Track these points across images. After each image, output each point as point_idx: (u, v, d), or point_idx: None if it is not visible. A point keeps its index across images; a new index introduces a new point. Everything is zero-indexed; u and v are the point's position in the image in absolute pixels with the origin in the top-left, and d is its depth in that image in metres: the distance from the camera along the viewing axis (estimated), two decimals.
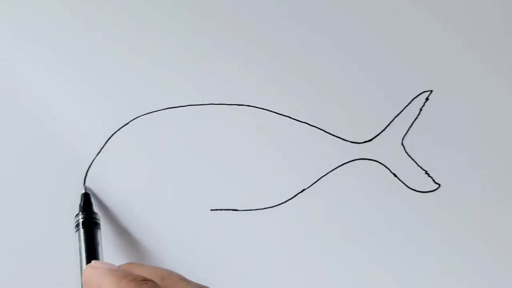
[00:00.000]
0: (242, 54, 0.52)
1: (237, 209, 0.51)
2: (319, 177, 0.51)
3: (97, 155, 0.51)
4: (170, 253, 0.50)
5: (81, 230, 0.47)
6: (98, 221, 0.48)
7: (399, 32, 0.53)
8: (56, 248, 0.50)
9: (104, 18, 0.52)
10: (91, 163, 0.51)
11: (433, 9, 0.53)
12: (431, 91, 0.52)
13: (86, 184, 0.50)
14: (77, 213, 0.48)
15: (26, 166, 0.50)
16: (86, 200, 0.49)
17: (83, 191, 0.50)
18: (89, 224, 0.47)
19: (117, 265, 0.45)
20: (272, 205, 0.51)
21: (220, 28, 0.52)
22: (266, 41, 0.52)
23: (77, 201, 0.50)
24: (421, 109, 0.52)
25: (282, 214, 0.51)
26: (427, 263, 0.50)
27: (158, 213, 0.50)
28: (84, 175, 0.51)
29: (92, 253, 0.46)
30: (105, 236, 0.49)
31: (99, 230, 0.48)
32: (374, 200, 0.51)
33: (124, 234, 0.50)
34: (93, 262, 0.44)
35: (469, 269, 0.50)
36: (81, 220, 0.47)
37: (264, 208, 0.51)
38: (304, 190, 0.51)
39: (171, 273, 0.43)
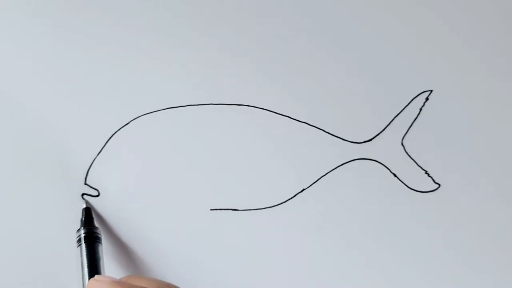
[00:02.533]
0: (242, 54, 0.52)
1: (237, 209, 0.51)
2: (319, 177, 0.51)
3: (98, 155, 0.51)
4: (170, 252, 0.50)
5: (83, 245, 0.47)
6: (99, 236, 0.48)
7: (399, 32, 0.53)
8: (55, 247, 0.50)
9: (104, 18, 0.52)
10: (92, 163, 0.51)
11: (433, 9, 0.53)
12: (431, 91, 0.52)
13: (88, 182, 0.50)
14: (78, 227, 0.49)
15: (26, 166, 0.50)
16: (87, 215, 0.49)
17: (84, 206, 0.50)
18: (91, 239, 0.48)
19: (118, 277, 0.46)
20: (272, 205, 0.51)
21: (220, 28, 0.52)
22: (266, 41, 0.52)
23: (77, 201, 0.50)
24: (421, 109, 0.52)
25: (282, 214, 0.51)
26: (427, 263, 0.50)
27: (158, 213, 0.50)
28: (85, 175, 0.51)
29: (94, 267, 0.46)
30: (103, 237, 0.50)
31: (100, 244, 0.48)
32: (374, 200, 0.51)
33: (122, 234, 0.50)
34: (96, 276, 0.45)
35: (469, 268, 0.50)
36: (82, 235, 0.48)
37: (264, 208, 0.51)
38: (304, 190, 0.51)
39: (168, 285, 0.43)
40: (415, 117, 0.52)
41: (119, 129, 0.51)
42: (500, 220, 0.51)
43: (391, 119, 0.52)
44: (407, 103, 0.52)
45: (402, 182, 0.51)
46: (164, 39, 0.52)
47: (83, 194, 0.50)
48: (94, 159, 0.51)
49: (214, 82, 0.52)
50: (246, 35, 0.52)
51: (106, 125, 0.51)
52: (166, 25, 0.52)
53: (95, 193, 0.50)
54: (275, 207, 0.51)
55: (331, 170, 0.51)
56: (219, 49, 0.52)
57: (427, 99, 0.52)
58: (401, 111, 0.52)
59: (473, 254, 0.50)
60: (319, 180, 0.51)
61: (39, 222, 0.50)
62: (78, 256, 0.47)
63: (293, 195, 0.51)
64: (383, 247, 0.50)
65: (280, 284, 0.50)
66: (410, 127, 0.52)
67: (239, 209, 0.51)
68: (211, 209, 0.51)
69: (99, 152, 0.51)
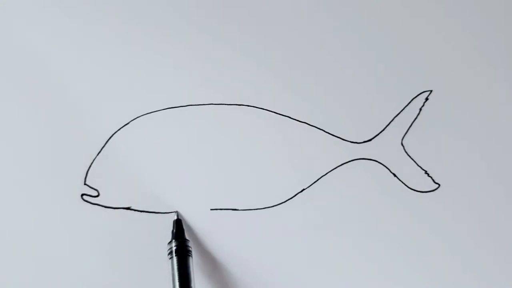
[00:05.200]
0: (242, 54, 0.52)
1: (237, 209, 0.51)
2: (319, 177, 0.51)
3: (98, 155, 0.51)
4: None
5: (174, 259, 0.48)
6: (190, 249, 0.49)
7: (399, 32, 0.53)
8: (54, 248, 0.50)
9: (104, 18, 0.52)
10: (92, 163, 0.51)
11: (433, 9, 0.53)
12: (431, 91, 0.52)
13: (87, 182, 0.50)
14: (169, 240, 0.49)
15: (26, 166, 0.50)
16: (178, 227, 0.49)
17: (175, 218, 0.50)
18: (183, 252, 0.48)
19: None
20: (272, 205, 0.51)
21: (220, 28, 0.52)
22: (267, 41, 0.52)
23: (77, 201, 0.50)
24: (421, 109, 0.52)
25: (282, 214, 0.51)
26: (426, 263, 0.50)
27: (157, 213, 0.50)
28: (85, 175, 0.51)
29: (185, 281, 0.47)
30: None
31: (191, 258, 0.48)
32: (374, 200, 0.51)
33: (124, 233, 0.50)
34: None
35: (469, 268, 0.50)
36: (174, 248, 0.48)
37: (264, 208, 0.51)
38: (304, 190, 0.51)
39: None
40: (415, 117, 0.52)
41: (119, 129, 0.51)
42: (500, 220, 0.51)
43: (391, 119, 0.52)
44: (407, 103, 0.52)
45: (402, 182, 0.51)
46: (164, 39, 0.52)
47: (82, 195, 0.50)
48: (94, 159, 0.51)
49: (214, 82, 0.52)
50: (247, 35, 0.52)
51: (106, 125, 0.51)
52: (167, 25, 0.52)
53: (95, 193, 0.50)
54: (275, 207, 0.51)
55: (331, 170, 0.51)
56: (220, 49, 0.52)
57: (427, 99, 0.52)
58: (401, 111, 0.52)
59: (473, 254, 0.50)
60: (319, 180, 0.51)
61: (38, 222, 0.50)
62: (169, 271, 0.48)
63: (293, 195, 0.51)
64: (383, 247, 0.51)
65: (280, 284, 0.50)
66: (410, 127, 0.52)
67: (239, 209, 0.51)
68: (211, 209, 0.51)
69: (99, 152, 0.51)
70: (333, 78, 0.52)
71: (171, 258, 0.48)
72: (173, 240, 0.49)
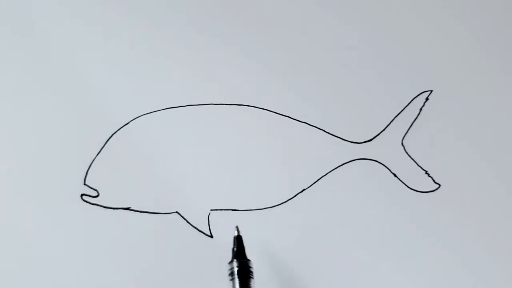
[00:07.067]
0: (242, 54, 0.52)
1: (237, 209, 0.51)
2: (319, 177, 0.51)
3: (97, 155, 0.51)
4: (169, 252, 0.50)
5: (236, 280, 0.45)
6: (252, 270, 0.45)
7: (400, 32, 0.53)
8: (54, 248, 0.50)
9: (104, 18, 0.52)
10: (91, 163, 0.51)
11: (434, 10, 0.53)
12: (431, 91, 0.52)
13: (87, 182, 0.50)
14: (230, 260, 0.46)
15: (26, 166, 0.50)
16: (239, 245, 0.46)
17: (236, 234, 0.47)
18: (245, 274, 0.45)
19: None
20: (272, 205, 0.51)
21: (220, 28, 0.52)
22: (266, 41, 0.52)
23: (77, 201, 0.50)
24: (421, 109, 0.52)
25: (282, 214, 0.51)
26: (426, 263, 0.50)
27: (157, 213, 0.50)
28: (85, 175, 0.51)
29: None
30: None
31: (252, 279, 0.45)
32: (374, 200, 0.51)
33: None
34: None
35: (469, 268, 0.50)
36: (236, 269, 0.45)
37: (264, 208, 0.51)
38: (304, 190, 0.51)
39: None
40: (415, 117, 0.52)
41: (119, 129, 0.51)
42: (500, 220, 0.51)
43: (391, 119, 0.52)
44: (407, 103, 0.52)
45: (402, 182, 0.51)
46: (165, 39, 0.52)
47: (82, 195, 0.50)
48: (94, 160, 0.51)
49: (214, 82, 0.52)
50: (247, 35, 0.52)
51: (106, 125, 0.51)
52: (167, 25, 0.52)
53: (95, 193, 0.50)
54: (275, 207, 0.51)
55: (331, 170, 0.51)
56: (220, 49, 0.52)
57: (427, 99, 0.52)
58: (401, 111, 0.52)
59: (473, 254, 0.50)
60: (319, 180, 0.51)
61: (38, 222, 0.50)
62: None
63: (293, 195, 0.51)
64: (383, 247, 0.50)
65: (279, 284, 0.50)
66: (410, 127, 0.52)
67: (239, 209, 0.51)
68: (211, 209, 0.51)
69: (99, 152, 0.51)
70: (333, 78, 0.52)
71: (233, 279, 0.45)
72: (234, 260, 0.45)
